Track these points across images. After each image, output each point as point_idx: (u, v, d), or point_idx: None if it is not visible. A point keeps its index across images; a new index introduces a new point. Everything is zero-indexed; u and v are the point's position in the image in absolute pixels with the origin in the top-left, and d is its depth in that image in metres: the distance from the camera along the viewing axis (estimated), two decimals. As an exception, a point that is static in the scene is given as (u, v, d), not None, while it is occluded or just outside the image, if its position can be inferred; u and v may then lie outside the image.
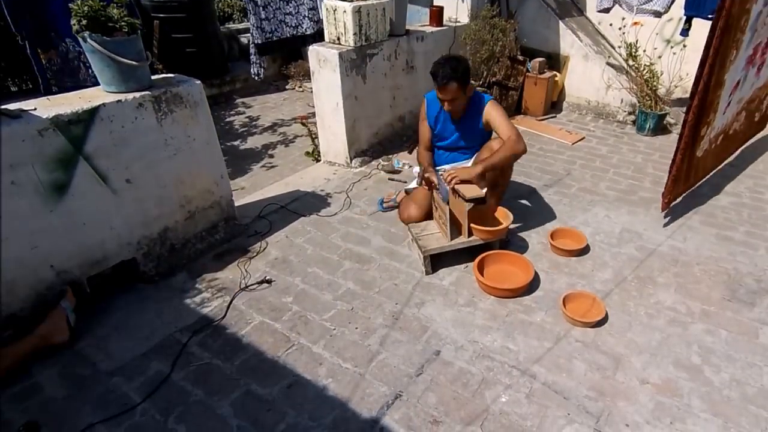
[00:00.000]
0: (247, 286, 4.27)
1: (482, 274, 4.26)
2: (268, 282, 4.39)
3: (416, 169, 5.70)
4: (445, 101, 4.66)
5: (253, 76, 7.78)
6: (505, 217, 4.63)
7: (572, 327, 3.84)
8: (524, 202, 5.59)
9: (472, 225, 4.40)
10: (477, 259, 4.34)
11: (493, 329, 3.83)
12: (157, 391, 3.32)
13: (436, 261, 4.50)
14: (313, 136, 6.99)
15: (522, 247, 4.80)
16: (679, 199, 5.35)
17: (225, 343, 3.71)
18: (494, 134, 4.83)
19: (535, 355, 3.60)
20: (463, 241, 4.52)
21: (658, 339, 3.73)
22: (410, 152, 6.82)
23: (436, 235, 4.60)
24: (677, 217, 5.21)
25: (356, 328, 3.86)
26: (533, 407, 3.20)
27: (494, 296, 4.17)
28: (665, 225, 5.10)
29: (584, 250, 4.69)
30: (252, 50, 7.79)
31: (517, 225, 5.11)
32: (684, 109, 4.76)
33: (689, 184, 5.32)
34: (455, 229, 4.50)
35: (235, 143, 7.86)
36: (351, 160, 6.50)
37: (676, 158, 4.74)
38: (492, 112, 4.70)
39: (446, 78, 4.46)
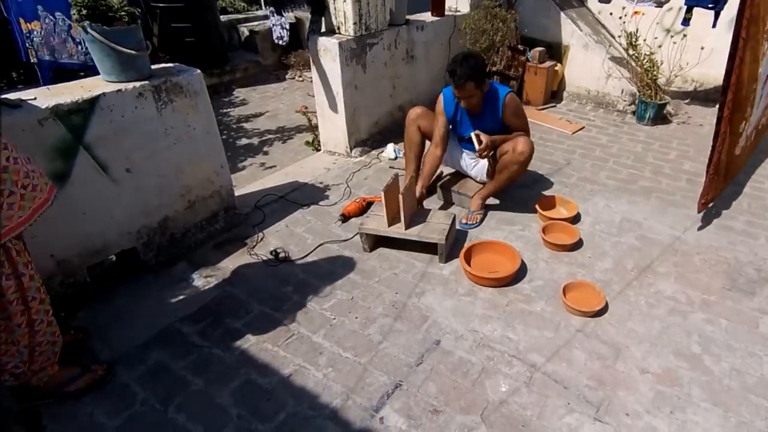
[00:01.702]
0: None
1: (469, 264, 4.27)
2: (277, 255, 4.53)
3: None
4: (462, 99, 4.70)
5: (275, 40, 7.60)
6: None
7: (572, 316, 3.85)
8: (524, 191, 5.58)
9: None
10: (464, 249, 4.36)
11: (493, 319, 3.84)
12: (157, 381, 3.33)
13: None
14: (313, 125, 6.98)
15: (522, 236, 4.80)
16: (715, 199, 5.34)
17: (225, 333, 3.71)
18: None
19: (535, 344, 3.60)
20: (399, 231, 4.50)
21: (658, 328, 3.73)
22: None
23: (382, 219, 4.56)
24: (677, 206, 5.20)
25: (356, 317, 3.87)
26: (533, 396, 3.21)
27: (481, 285, 4.18)
28: (665, 215, 5.09)
29: (577, 245, 4.67)
30: (269, 12, 7.66)
31: (517, 214, 5.13)
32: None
33: (727, 182, 5.26)
34: (397, 216, 4.51)
35: (235, 133, 7.85)
36: (351, 149, 6.49)
37: (712, 157, 4.60)
38: (511, 106, 4.76)
39: (463, 77, 4.49)
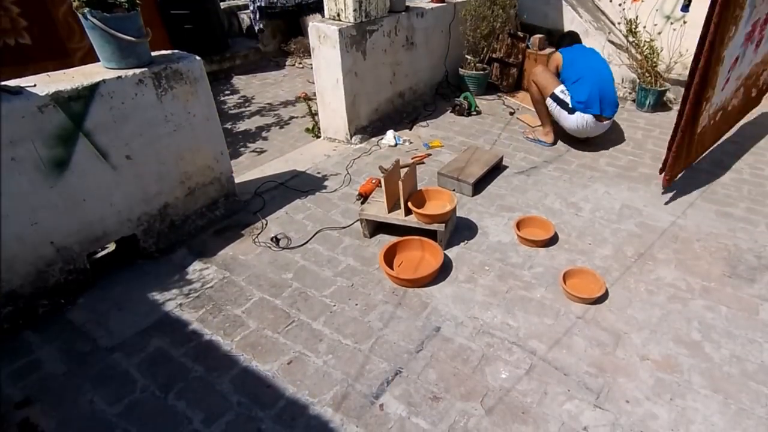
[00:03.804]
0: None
1: (393, 261, 4.25)
2: (277, 241, 4.53)
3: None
4: None
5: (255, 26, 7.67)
6: (449, 200, 4.54)
7: (572, 303, 3.85)
8: (524, 178, 5.59)
9: (412, 208, 4.38)
10: (384, 248, 4.26)
11: (493, 305, 3.84)
12: (157, 367, 3.34)
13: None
14: (314, 112, 6.97)
15: (522, 223, 4.80)
16: (678, 176, 5.35)
17: (225, 319, 3.72)
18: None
19: (535, 331, 3.61)
20: (399, 218, 4.48)
21: (658, 315, 3.74)
22: (411, 129, 6.81)
23: (382, 205, 4.56)
24: (677, 194, 5.20)
25: (356, 304, 3.87)
26: (533, 383, 3.21)
27: (403, 287, 4.10)
28: (665, 201, 5.09)
29: (552, 240, 4.60)
30: (252, 7, 7.73)
31: (517, 201, 5.12)
32: (684, 86, 4.75)
33: (689, 161, 5.31)
34: (397, 203, 4.50)
35: (235, 120, 7.83)
36: (351, 136, 6.48)
37: (676, 135, 4.73)
38: None
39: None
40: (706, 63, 4.32)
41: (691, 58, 4.43)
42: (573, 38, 6.72)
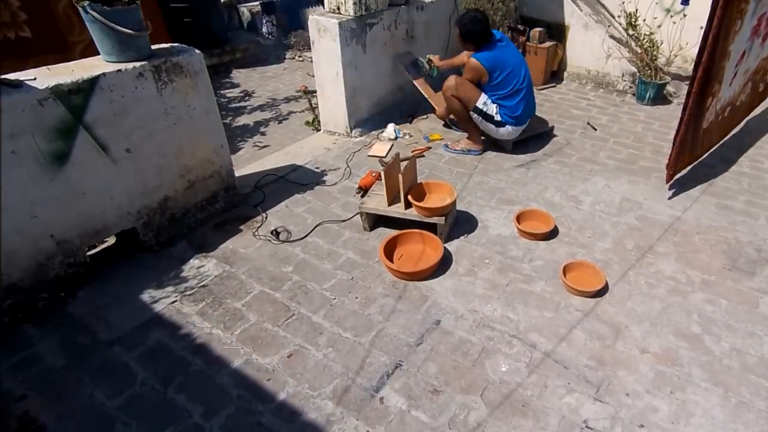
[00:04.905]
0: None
1: (393, 255, 4.26)
2: (277, 235, 4.55)
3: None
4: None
5: (266, 35, 7.65)
6: (449, 193, 4.55)
7: (572, 296, 3.85)
8: (524, 171, 5.59)
9: (412, 201, 4.38)
10: (384, 241, 4.26)
11: (494, 299, 3.84)
12: (157, 361, 3.34)
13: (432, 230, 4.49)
14: (313, 105, 6.96)
15: (522, 217, 4.79)
16: (684, 171, 5.33)
17: (225, 313, 3.72)
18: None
19: (536, 324, 3.61)
20: (399, 211, 4.49)
21: (658, 308, 3.73)
22: (411, 122, 6.80)
23: (382, 198, 4.56)
24: (677, 187, 5.19)
25: (356, 297, 3.88)
26: (533, 377, 3.21)
27: (403, 280, 4.10)
28: (665, 194, 5.08)
29: (553, 233, 4.59)
30: (260, 9, 7.73)
31: (517, 194, 5.12)
32: (686, 80, 4.72)
33: (695, 156, 5.29)
34: (397, 196, 4.51)
35: (235, 114, 7.83)
36: (351, 129, 6.48)
37: (680, 130, 4.71)
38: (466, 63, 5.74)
39: (456, 25, 5.69)
40: (710, 57, 4.31)
41: (692, 51, 4.42)
42: (484, 29, 5.57)
